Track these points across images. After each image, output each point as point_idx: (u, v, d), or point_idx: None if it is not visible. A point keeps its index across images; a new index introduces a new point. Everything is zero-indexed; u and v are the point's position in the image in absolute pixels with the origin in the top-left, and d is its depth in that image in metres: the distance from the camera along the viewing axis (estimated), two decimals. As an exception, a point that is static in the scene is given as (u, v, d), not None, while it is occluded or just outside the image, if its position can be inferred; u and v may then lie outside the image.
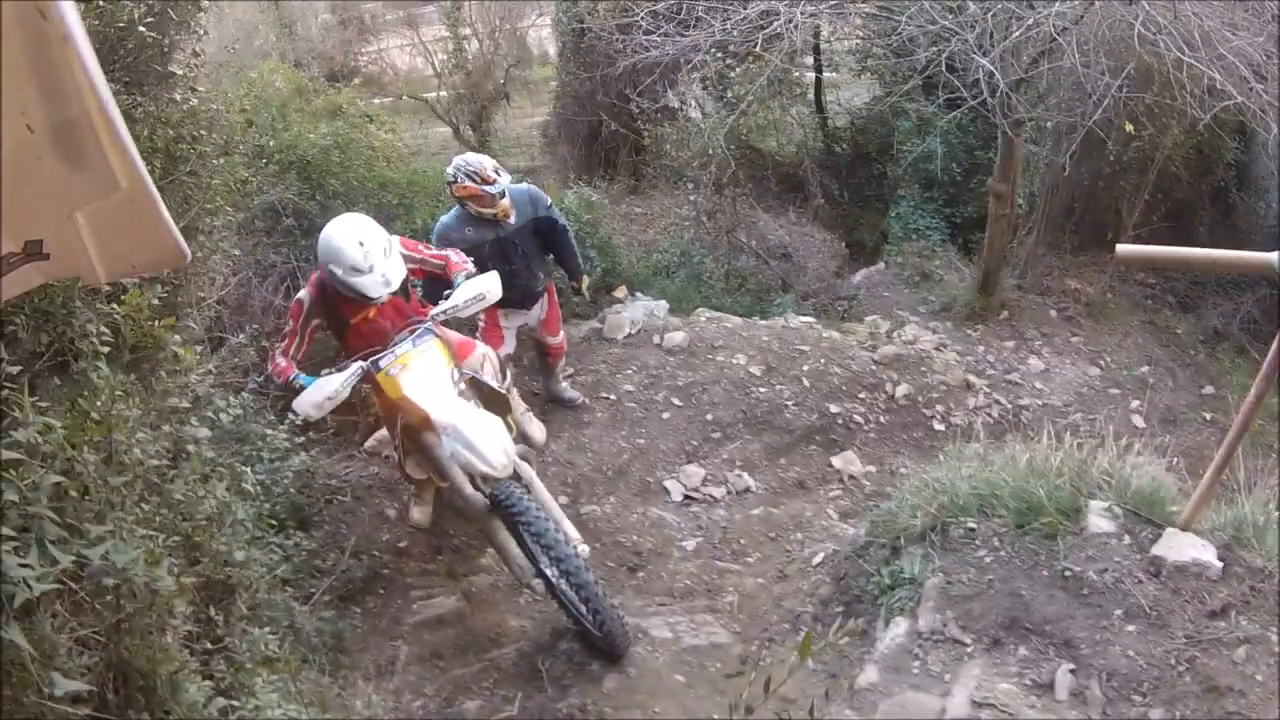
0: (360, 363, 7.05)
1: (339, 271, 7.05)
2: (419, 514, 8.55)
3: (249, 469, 6.84)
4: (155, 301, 5.37)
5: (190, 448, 5.49)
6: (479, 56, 23.65)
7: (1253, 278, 13.47)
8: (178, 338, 5.54)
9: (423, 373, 7.10)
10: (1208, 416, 12.59)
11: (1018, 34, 10.63)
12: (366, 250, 7.00)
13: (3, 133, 2.46)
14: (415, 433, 7.20)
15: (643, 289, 13.15)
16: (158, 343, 5.41)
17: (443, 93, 24.29)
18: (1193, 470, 5.82)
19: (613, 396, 10.61)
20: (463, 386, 7.40)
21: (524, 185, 9.68)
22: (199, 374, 6.17)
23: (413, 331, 7.28)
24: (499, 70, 23.65)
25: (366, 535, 8.71)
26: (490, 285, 7.34)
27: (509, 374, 8.70)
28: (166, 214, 2.95)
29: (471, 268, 7.65)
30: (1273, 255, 4.39)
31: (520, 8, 24.94)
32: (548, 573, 6.93)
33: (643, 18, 13.63)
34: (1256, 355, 13.81)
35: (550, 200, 9.66)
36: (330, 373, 6.99)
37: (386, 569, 8.45)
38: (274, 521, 7.13)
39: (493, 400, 7.68)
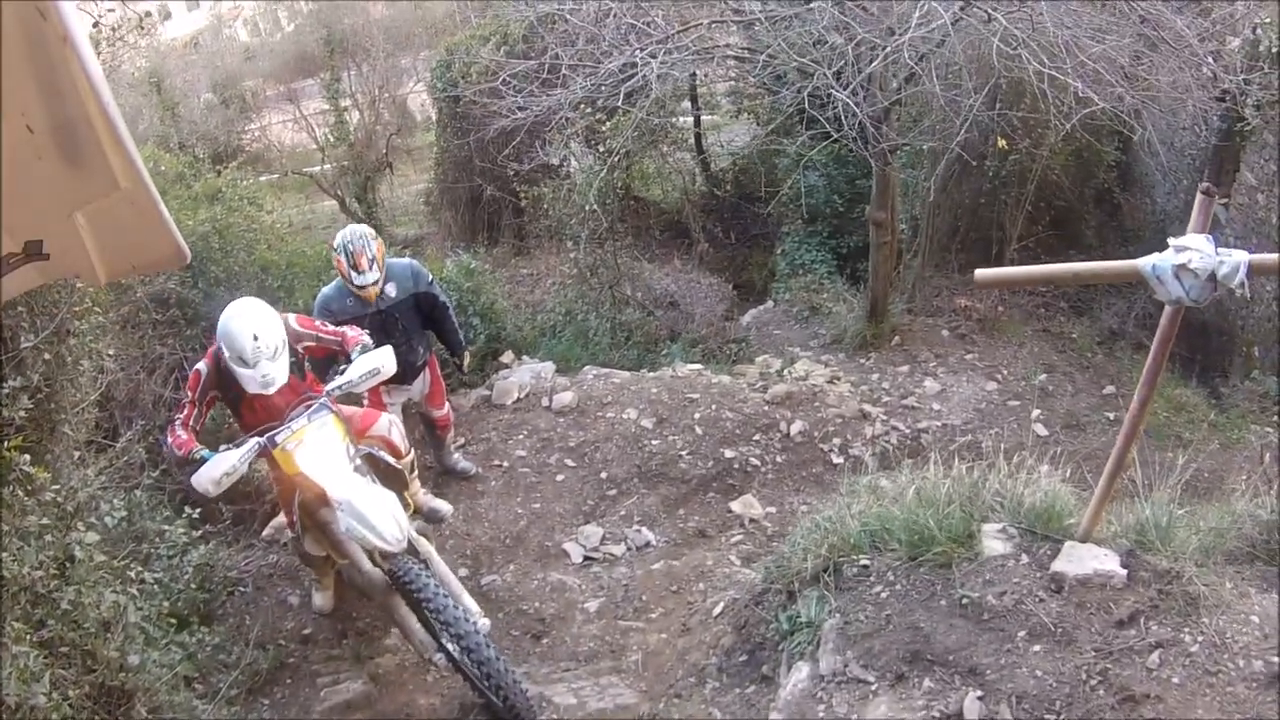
0: (257, 439, 6.92)
1: (227, 354, 7.02)
2: (321, 599, 8.54)
3: (145, 568, 6.75)
4: (21, 414, 5.25)
5: (78, 553, 5.35)
6: (360, 127, 23.66)
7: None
8: (26, 457, 5.33)
9: (318, 448, 6.97)
10: (1111, 416, 12.59)
11: (876, 64, 10.61)
12: (258, 346, 6.95)
13: (3, 133, 2.45)
14: (312, 509, 7.16)
15: (530, 351, 13.12)
16: (7, 465, 5.23)
17: (327, 166, 24.25)
18: (1099, 474, 5.74)
19: (505, 463, 10.51)
20: (359, 462, 7.23)
21: (406, 260, 9.55)
22: (81, 479, 6.04)
23: (308, 407, 7.16)
24: (381, 140, 23.66)
25: (270, 625, 8.53)
26: (385, 360, 7.27)
27: (411, 449, 8.58)
28: (166, 214, 2.92)
29: (368, 341, 7.61)
30: (1141, 262, 4.28)
31: (399, 75, 24.97)
32: (449, 648, 6.87)
33: (503, 82, 13.59)
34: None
35: (432, 276, 9.54)
36: (228, 448, 6.82)
37: (293, 658, 8.25)
38: (174, 619, 7.06)
39: (390, 476, 7.56)
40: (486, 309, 12.60)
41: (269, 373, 7.01)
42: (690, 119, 19.59)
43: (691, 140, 19.64)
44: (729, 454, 10.55)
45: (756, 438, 10.82)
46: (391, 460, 7.74)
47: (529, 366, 12.16)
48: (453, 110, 19.25)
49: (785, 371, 12.56)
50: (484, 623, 6.93)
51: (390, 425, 8.10)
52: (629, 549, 9.52)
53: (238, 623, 8.41)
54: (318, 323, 7.83)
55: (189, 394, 7.31)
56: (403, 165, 25.07)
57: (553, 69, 13.30)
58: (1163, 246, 4.23)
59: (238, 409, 7.60)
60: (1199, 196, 4.29)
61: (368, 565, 7.04)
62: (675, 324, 14.73)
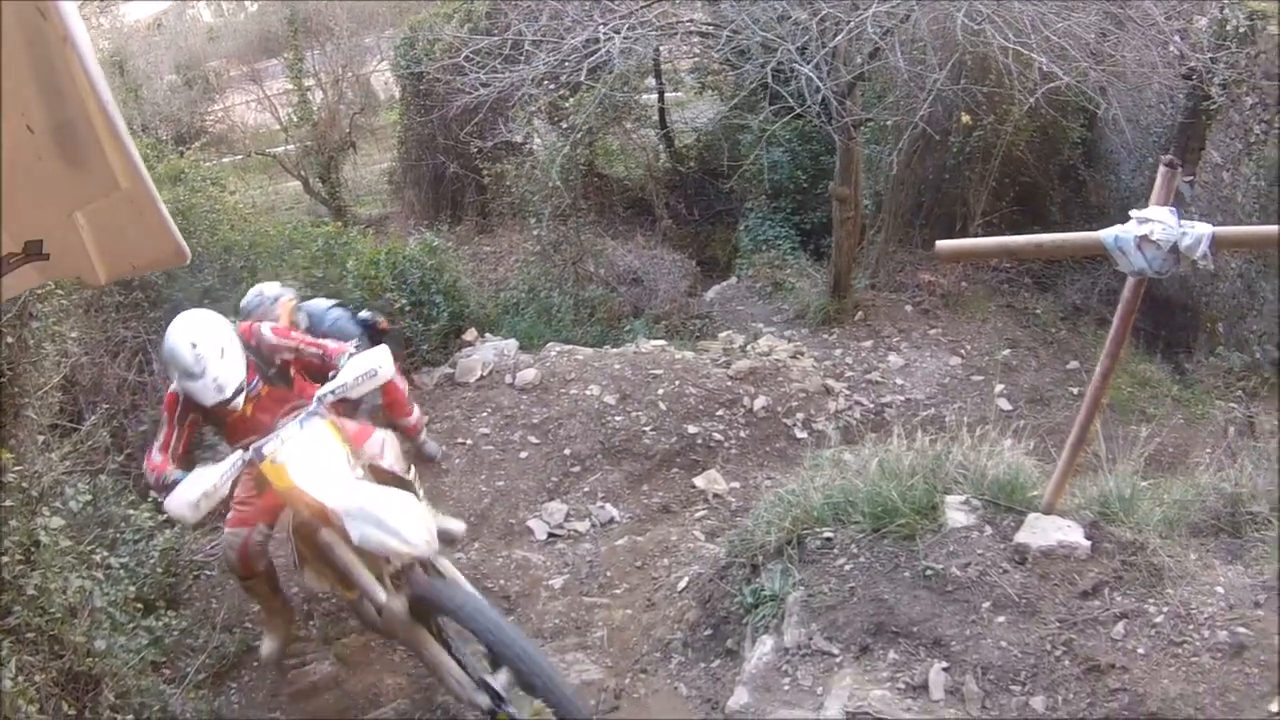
0: (240, 451, 6.19)
1: (176, 378, 6.56)
2: (269, 645, 7.78)
3: (110, 553, 6.71)
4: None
5: (44, 538, 5.31)
6: (324, 106, 23.59)
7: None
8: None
9: (314, 457, 6.19)
10: (1075, 391, 12.65)
11: (839, 39, 10.61)
12: (199, 353, 6.38)
13: (3, 133, 2.46)
14: (309, 531, 6.35)
15: (493, 329, 13.10)
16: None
17: (290, 146, 24.20)
18: (1063, 447, 5.79)
19: (469, 441, 10.46)
20: (361, 473, 6.41)
21: (334, 308, 9.12)
22: (45, 464, 6.00)
23: (298, 415, 6.42)
24: (344, 119, 23.58)
25: (237, 608, 8.40)
26: (381, 361, 6.51)
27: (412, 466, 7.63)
28: (166, 214, 2.92)
29: (352, 347, 6.95)
30: (1104, 234, 4.29)
31: (363, 53, 24.92)
32: (492, 682, 5.97)
33: (465, 58, 13.52)
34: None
35: (368, 312, 9.39)
36: (205, 465, 6.13)
37: (259, 641, 8.05)
38: (140, 604, 6.88)
39: (398, 486, 6.65)
40: (449, 287, 12.53)
41: (219, 375, 6.46)
42: (654, 95, 19.59)
43: (655, 116, 19.64)
44: (692, 429, 10.58)
45: (720, 413, 10.84)
46: (399, 470, 6.94)
47: (492, 344, 12.13)
48: (416, 88, 19.26)
49: (749, 347, 12.56)
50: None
51: (384, 444, 7.21)
52: (593, 525, 9.49)
53: (204, 606, 8.33)
54: (294, 332, 7.29)
55: (165, 415, 6.79)
56: (366, 144, 25.01)
57: (516, 45, 13.26)
58: (1127, 222, 4.25)
59: (223, 429, 7.09)
60: (1162, 169, 4.30)
61: (383, 595, 6.08)
62: (639, 300, 14.73)
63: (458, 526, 8.29)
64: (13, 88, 2.36)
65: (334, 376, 6.49)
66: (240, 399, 6.64)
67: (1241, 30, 12.94)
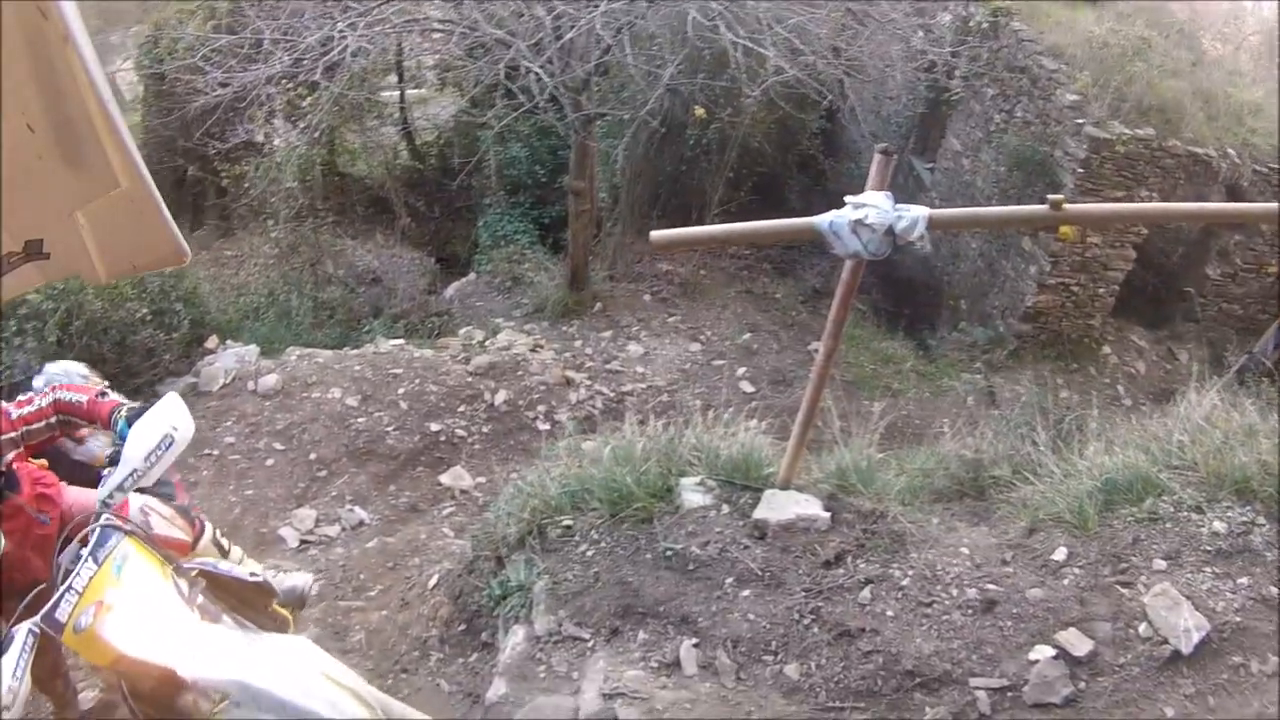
0: (29, 626, 4.09)
1: None
2: None
3: None
4: None
5: None
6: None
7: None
8: None
9: (136, 604, 4.17)
10: (818, 371, 12.92)
11: (569, 35, 10.68)
12: None
13: (3, 132, 2.46)
14: (161, 699, 4.29)
15: (234, 335, 12.77)
16: None
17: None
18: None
19: (216, 451, 10.23)
20: (201, 599, 4.50)
21: None
22: None
23: (84, 541, 4.29)
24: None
25: None
26: (174, 417, 4.54)
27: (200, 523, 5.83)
28: (166, 213, 2.94)
29: (118, 397, 5.05)
30: (818, 219, 4.41)
31: (106, 52, 24.04)
32: None
33: (203, 58, 13.22)
34: (859, 305, 14.35)
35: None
36: None
37: None
38: None
39: (246, 596, 4.99)
40: (190, 294, 12.27)
41: None
42: (396, 93, 19.45)
43: (396, 114, 19.51)
44: (435, 427, 10.60)
45: (462, 409, 10.90)
46: (243, 574, 5.02)
47: (234, 350, 11.92)
48: (158, 88, 18.70)
49: (488, 342, 12.65)
50: None
51: (143, 509, 5.07)
52: (343, 529, 9.41)
53: None
54: (14, 412, 4.81)
55: None
56: (108, 148, 24.19)
57: (256, 44, 13.02)
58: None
59: None
60: (877, 156, 4.44)
61: None
62: (378, 300, 14.75)
63: (304, 582, 6.59)
64: (13, 87, 2.37)
65: (114, 461, 4.53)
66: None
67: (984, 26, 13.48)
